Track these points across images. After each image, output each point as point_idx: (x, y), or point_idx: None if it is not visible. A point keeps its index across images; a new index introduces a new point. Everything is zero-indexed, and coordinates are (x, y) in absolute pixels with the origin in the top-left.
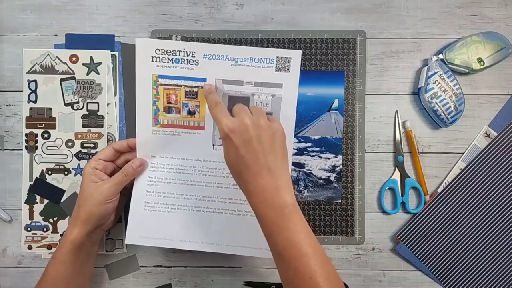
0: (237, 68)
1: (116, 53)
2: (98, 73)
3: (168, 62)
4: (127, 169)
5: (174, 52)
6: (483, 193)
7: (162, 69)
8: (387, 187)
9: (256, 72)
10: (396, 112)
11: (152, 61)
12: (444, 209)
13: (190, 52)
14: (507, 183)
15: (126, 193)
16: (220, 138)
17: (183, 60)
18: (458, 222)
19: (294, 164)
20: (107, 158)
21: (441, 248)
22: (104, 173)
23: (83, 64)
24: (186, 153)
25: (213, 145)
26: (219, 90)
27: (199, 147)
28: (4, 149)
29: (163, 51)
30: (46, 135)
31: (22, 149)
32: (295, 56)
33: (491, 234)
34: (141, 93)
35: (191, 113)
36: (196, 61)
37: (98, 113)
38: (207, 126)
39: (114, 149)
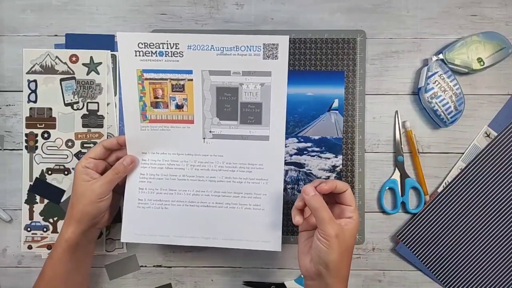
0: (223, 58)
1: (116, 53)
2: (98, 73)
3: (151, 56)
4: (118, 167)
5: (157, 45)
6: (483, 193)
7: (146, 63)
8: (387, 187)
9: (243, 60)
10: (396, 112)
11: (136, 55)
12: (444, 209)
13: (173, 44)
14: (507, 183)
15: (119, 191)
16: (210, 131)
17: (167, 53)
18: (458, 222)
19: (294, 164)
20: (98, 156)
21: (441, 248)
22: (96, 172)
23: (83, 64)
24: (177, 148)
25: (204, 138)
26: (206, 81)
27: (189, 141)
28: (4, 149)
29: (146, 44)
30: (46, 135)
31: (22, 149)
32: (283, 42)
33: (491, 234)
34: (127, 89)
35: (179, 107)
36: (181, 53)
37: (98, 113)
38: (196, 120)
39: (104, 147)
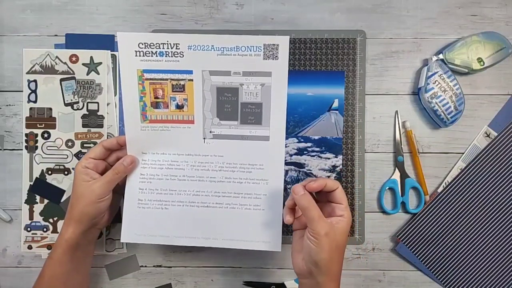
0: (223, 58)
1: (116, 53)
2: (98, 73)
3: (152, 56)
4: (118, 167)
5: (158, 45)
6: (483, 193)
7: (146, 63)
8: (387, 187)
9: (244, 61)
10: (396, 112)
11: (136, 55)
12: (444, 209)
13: (174, 44)
14: (507, 183)
15: (119, 191)
16: (210, 131)
17: (167, 53)
18: (458, 222)
19: (294, 164)
20: (98, 157)
21: (441, 248)
22: (95, 172)
23: (83, 64)
24: (177, 148)
25: (204, 138)
26: (207, 82)
27: (189, 141)
28: (4, 149)
29: (146, 44)
30: (46, 135)
31: (22, 149)
32: (283, 42)
33: (491, 234)
34: (127, 90)
35: (179, 107)
36: (181, 53)
37: (98, 113)
38: (197, 120)
39: (104, 147)
